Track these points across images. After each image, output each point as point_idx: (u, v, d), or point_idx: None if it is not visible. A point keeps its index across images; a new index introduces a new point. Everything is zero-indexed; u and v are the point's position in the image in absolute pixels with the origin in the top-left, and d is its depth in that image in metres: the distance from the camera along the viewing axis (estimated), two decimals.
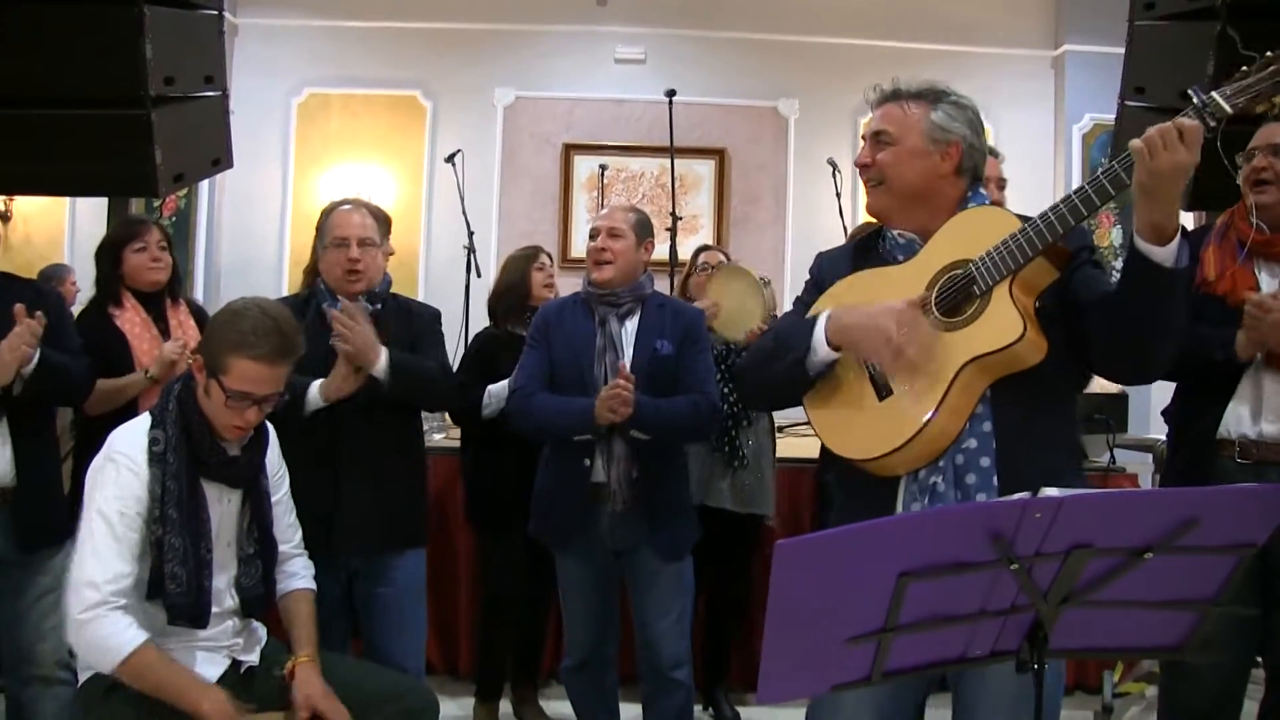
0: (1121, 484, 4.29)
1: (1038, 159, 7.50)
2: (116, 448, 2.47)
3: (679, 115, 5.63)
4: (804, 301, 2.32)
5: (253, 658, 2.62)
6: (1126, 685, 4.27)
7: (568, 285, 4.36)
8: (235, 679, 2.54)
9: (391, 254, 3.98)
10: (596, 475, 3.11)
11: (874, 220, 2.31)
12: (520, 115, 7.73)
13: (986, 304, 2.03)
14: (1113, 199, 2.00)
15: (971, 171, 2.21)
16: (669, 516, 3.13)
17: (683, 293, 4.26)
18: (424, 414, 3.72)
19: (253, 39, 7.60)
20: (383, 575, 3.12)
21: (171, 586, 2.40)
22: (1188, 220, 3.22)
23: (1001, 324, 2.00)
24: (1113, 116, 4.06)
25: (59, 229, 7.48)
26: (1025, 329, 1.98)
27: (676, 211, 5.41)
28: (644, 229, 3.32)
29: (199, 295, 7.12)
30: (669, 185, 5.74)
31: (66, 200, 7.30)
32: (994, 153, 2.96)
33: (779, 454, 4.20)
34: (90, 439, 3.14)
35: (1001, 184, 3.00)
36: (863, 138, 2.25)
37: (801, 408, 2.25)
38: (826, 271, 2.33)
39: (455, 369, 3.66)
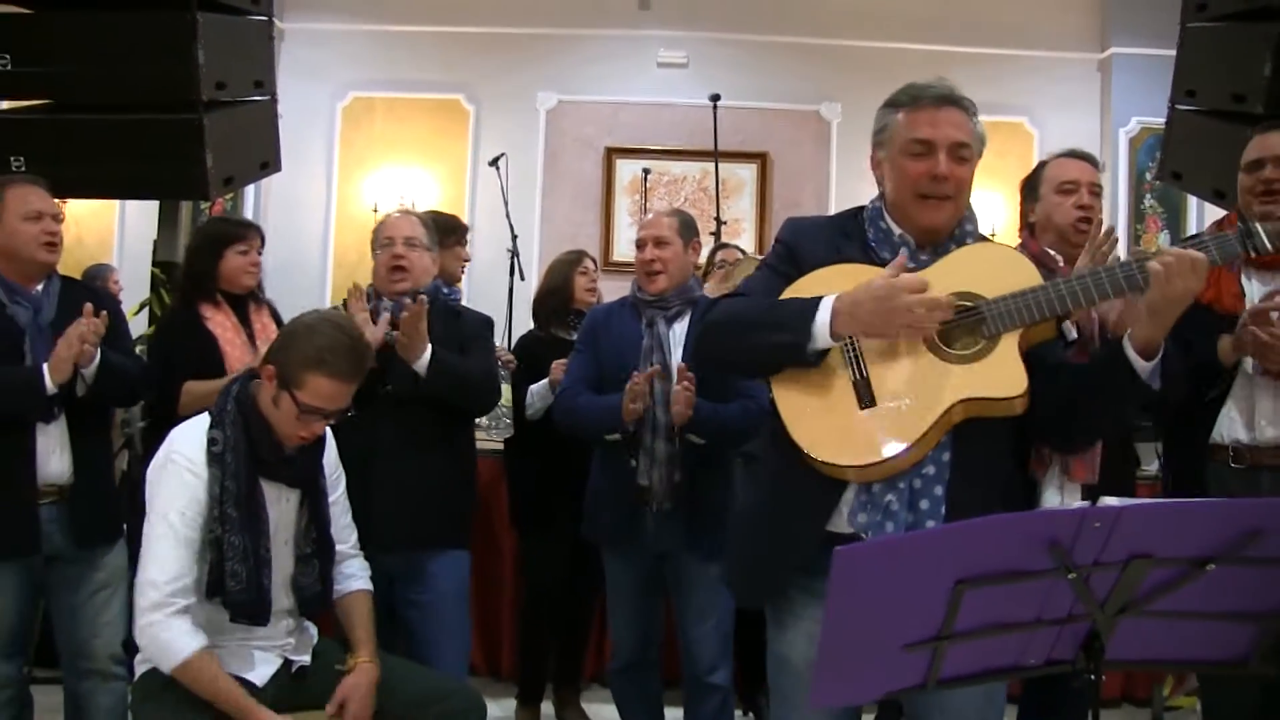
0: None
1: None
2: (176, 448, 2.50)
3: (721, 119, 5.64)
4: (776, 269, 2.22)
5: (304, 658, 2.65)
6: (1177, 699, 4.22)
7: (610, 288, 4.39)
8: (286, 678, 2.58)
9: (468, 260, 4.03)
10: (641, 477, 3.12)
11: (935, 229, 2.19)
12: (563, 119, 7.76)
13: (992, 349, 2.02)
14: (1124, 295, 2.02)
15: None
16: (711, 520, 3.13)
17: None
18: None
19: (298, 43, 7.68)
20: (421, 579, 3.13)
21: (232, 585, 2.44)
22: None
23: (1006, 374, 2.00)
24: (1161, 120, 4.04)
25: (109, 231, 7.59)
26: (1027, 386, 1.98)
27: (720, 215, 5.40)
28: (688, 230, 3.33)
29: None
30: (711, 189, 5.75)
31: (116, 203, 7.38)
32: (1093, 160, 2.92)
33: None
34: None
35: (1095, 190, 2.93)
36: (921, 141, 2.10)
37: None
38: (804, 243, 2.22)
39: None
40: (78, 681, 3.04)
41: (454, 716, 2.64)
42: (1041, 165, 2.95)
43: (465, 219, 7.53)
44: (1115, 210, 7.41)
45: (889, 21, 7.60)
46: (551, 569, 3.90)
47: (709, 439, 3.10)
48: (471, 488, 3.38)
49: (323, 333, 2.47)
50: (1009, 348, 2.01)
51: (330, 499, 2.71)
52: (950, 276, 2.07)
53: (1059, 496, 2.56)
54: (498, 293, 6.11)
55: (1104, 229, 2.50)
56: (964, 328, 2.05)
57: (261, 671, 2.54)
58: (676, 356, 3.18)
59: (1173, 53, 3.87)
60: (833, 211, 7.50)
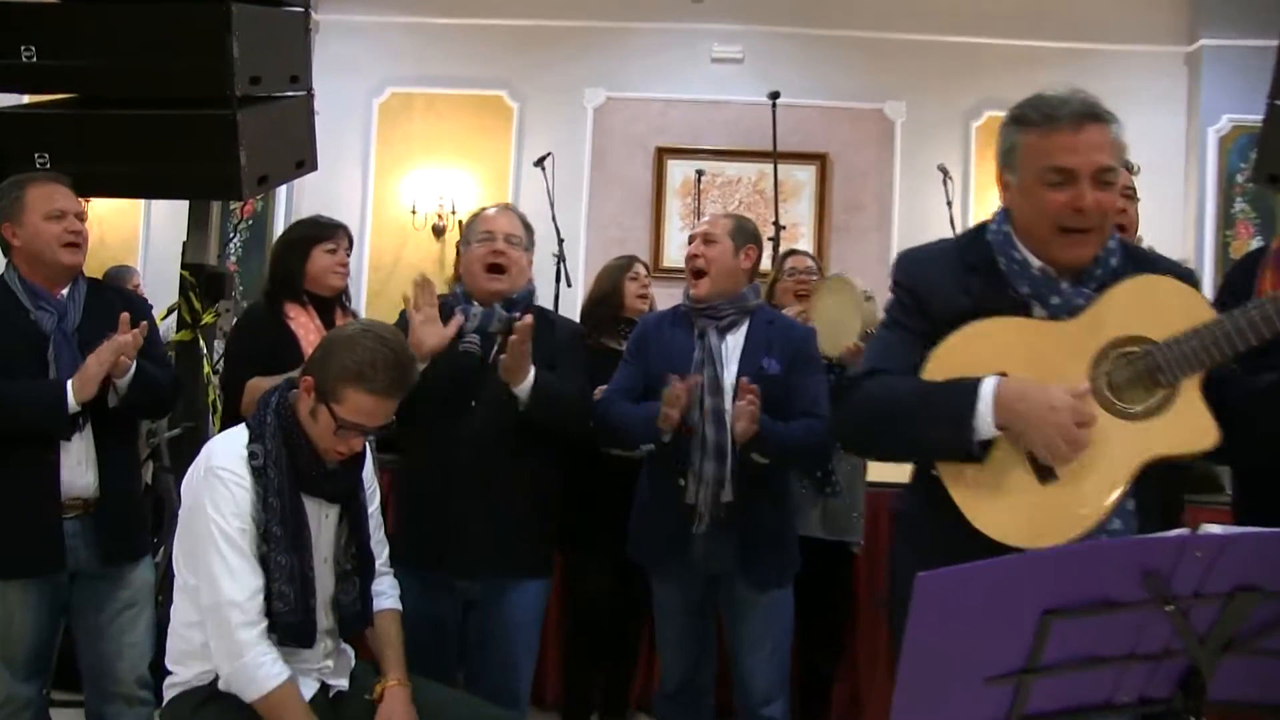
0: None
1: (1168, 166, 7.31)
2: (218, 462, 2.50)
3: (778, 118, 5.61)
4: (907, 328, 2.19)
5: (342, 682, 2.65)
6: None
7: (661, 296, 4.38)
8: (324, 704, 2.58)
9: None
10: (688, 496, 3.08)
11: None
12: (611, 117, 7.79)
13: (1173, 398, 1.97)
14: None
15: None
16: (764, 544, 3.11)
17: (769, 299, 4.23)
18: None
19: (333, 36, 7.76)
20: (499, 607, 3.09)
21: (280, 606, 2.44)
22: None
23: (1194, 426, 1.96)
24: (1256, 118, 3.95)
25: (133, 231, 7.69)
26: (1219, 435, 1.94)
27: (779, 220, 5.37)
28: (742, 234, 3.28)
29: None
30: (767, 192, 5.74)
31: (141, 202, 7.47)
32: (1128, 166, 2.87)
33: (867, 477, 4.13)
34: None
35: (1129, 193, 2.89)
36: (1061, 170, 2.03)
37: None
38: (928, 288, 2.18)
39: None
40: (101, 705, 3.07)
41: None
42: None
43: None
44: (1203, 215, 7.31)
45: (957, 14, 7.57)
46: (596, 591, 3.90)
47: (770, 458, 3.07)
48: (555, 511, 3.29)
49: (364, 345, 2.45)
50: (1191, 395, 1.96)
51: (368, 512, 2.73)
52: (1111, 320, 2.03)
53: None
54: (543, 299, 6.06)
55: None
56: (1136, 377, 2.01)
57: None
58: (730, 370, 3.14)
59: (1271, 43, 3.79)
60: (896, 216, 7.59)
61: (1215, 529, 1.50)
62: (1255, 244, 7.16)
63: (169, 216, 7.08)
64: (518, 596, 3.10)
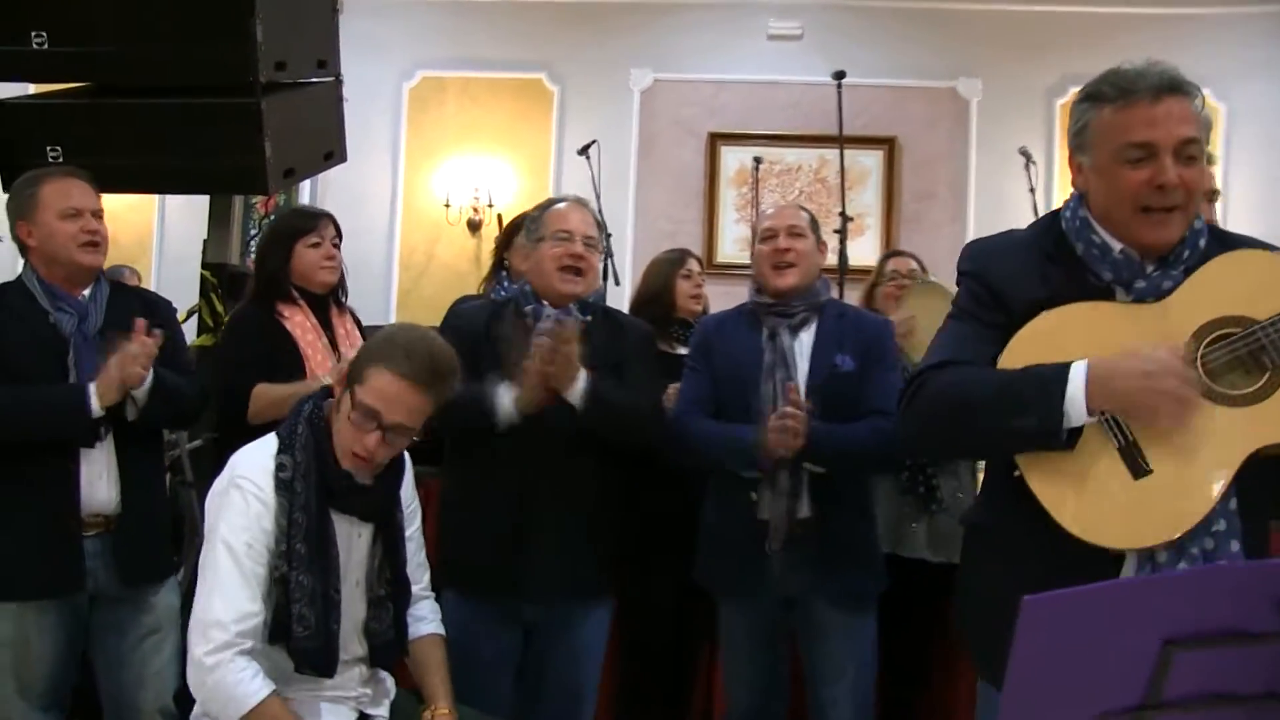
0: None
1: (1274, 140, 7.22)
2: (241, 472, 2.52)
3: (841, 99, 5.57)
4: (981, 319, 2.18)
5: (382, 711, 2.66)
6: None
7: (714, 294, 4.36)
8: None
9: None
10: (761, 510, 3.07)
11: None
12: (659, 100, 7.80)
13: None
14: None
15: None
16: (846, 561, 3.09)
17: (868, 303, 4.20)
18: None
19: (359, 16, 7.77)
20: (564, 633, 3.09)
21: (299, 630, 2.45)
22: None
23: None
24: None
25: (147, 228, 7.78)
26: None
27: (846, 210, 5.34)
28: (816, 228, 3.31)
29: None
30: (829, 179, 5.70)
31: (155, 197, 7.57)
32: (1210, 159, 2.82)
33: None
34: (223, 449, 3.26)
35: (1212, 197, 2.83)
36: (1140, 145, 2.03)
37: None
38: (1002, 278, 2.18)
39: None
40: None
41: None
42: None
43: None
44: None
45: None
46: (654, 616, 3.87)
47: (830, 466, 3.05)
48: (626, 531, 3.27)
49: (407, 336, 2.51)
50: None
51: (405, 534, 2.72)
52: (1204, 300, 2.02)
53: None
54: None
55: None
56: (1235, 360, 1.99)
57: None
58: (802, 370, 3.13)
59: None
60: (973, 206, 7.53)
61: None
62: None
63: (185, 213, 7.16)
64: (584, 622, 3.11)
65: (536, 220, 3.23)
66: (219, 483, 2.55)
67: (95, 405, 2.89)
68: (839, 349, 3.15)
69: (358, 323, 3.74)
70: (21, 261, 3.12)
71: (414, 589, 2.76)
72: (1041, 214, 5.43)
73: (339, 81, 4.41)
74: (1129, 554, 2.02)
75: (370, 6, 7.82)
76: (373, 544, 2.64)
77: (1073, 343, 2.03)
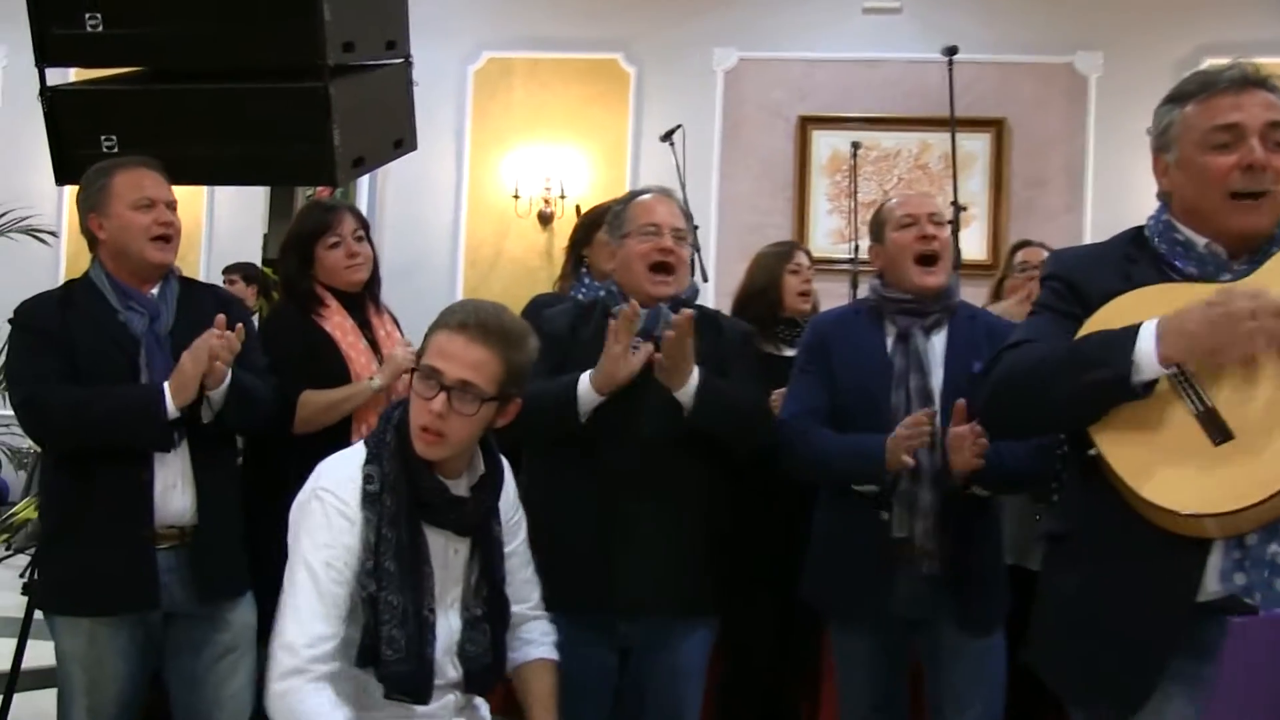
0: None
1: None
2: (324, 484, 2.53)
3: (943, 77, 5.56)
4: (1058, 310, 2.31)
5: None
6: None
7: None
8: None
9: None
10: (897, 530, 3.05)
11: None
12: (745, 81, 7.82)
13: None
14: None
15: None
16: (979, 581, 3.09)
17: (995, 297, 4.19)
18: None
19: None
20: (663, 653, 3.10)
21: (389, 653, 2.45)
22: None
23: None
24: None
25: (195, 223, 7.80)
26: None
27: (957, 199, 5.33)
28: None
29: None
30: (932, 166, 5.67)
31: (204, 189, 7.48)
32: None
33: None
34: (268, 468, 3.33)
35: None
36: (1226, 127, 2.15)
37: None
38: (1084, 275, 2.31)
39: None
40: None
41: None
42: None
43: None
44: None
45: None
46: (756, 639, 3.89)
47: (994, 488, 3.06)
48: (731, 544, 3.26)
49: (466, 301, 2.57)
50: None
51: (507, 548, 2.73)
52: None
53: None
54: None
55: None
56: None
57: None
58: (937, 377, 3.12)
59: None
60: (1090, 193, 7.47)
61: None
62: None
63: (234, 205, 7.26)
64: (685, 640, 3.12)
65: (620, 215, 3.26)
66: (302, 493, 2.56)
67: (171, 405, 2.93)
68: (974, 353, 3.10)
69: (396, 323, 3.73)
70: (65, 261, 3.17)
71: (521, 608, 2.76)
72: None
73: (409, 63, 4.42)
74: (1215, 543, 2.08)
75: None
76: (469, 560, 2.64)
77: (1148, 317, 2.12)
